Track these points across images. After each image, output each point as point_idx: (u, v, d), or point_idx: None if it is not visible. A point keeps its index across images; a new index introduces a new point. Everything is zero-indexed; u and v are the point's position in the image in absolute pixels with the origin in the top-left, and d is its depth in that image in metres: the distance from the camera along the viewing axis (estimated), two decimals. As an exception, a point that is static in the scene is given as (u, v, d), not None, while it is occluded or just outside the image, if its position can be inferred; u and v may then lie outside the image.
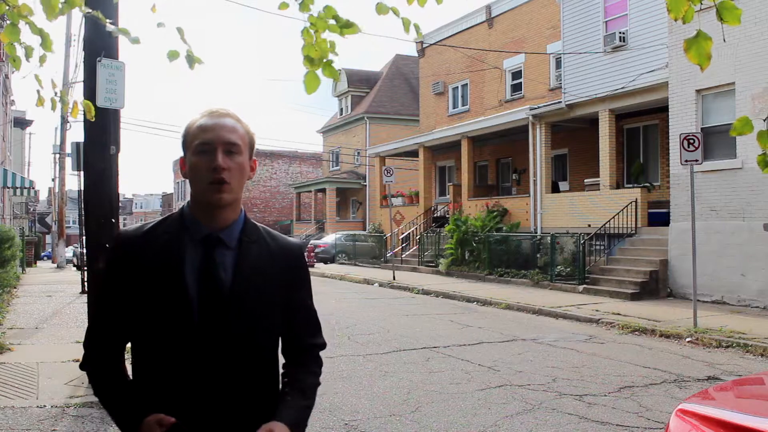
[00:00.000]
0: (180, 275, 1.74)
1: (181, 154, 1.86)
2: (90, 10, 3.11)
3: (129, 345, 1.83)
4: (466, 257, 19.96)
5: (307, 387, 1.89)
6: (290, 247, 1.93)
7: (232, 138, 1.79)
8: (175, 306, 1.72)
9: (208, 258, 1.77)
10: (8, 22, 2.91)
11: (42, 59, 3.01)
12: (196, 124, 1.82)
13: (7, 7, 2.83)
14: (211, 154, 1.76)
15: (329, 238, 30.05)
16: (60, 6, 2.79)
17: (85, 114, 6.51)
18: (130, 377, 1.82)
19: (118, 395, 1.78)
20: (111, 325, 1.80)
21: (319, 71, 2.69)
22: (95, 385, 1.82)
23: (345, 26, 2.72)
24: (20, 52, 3.02)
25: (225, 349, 1.72)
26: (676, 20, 2.25)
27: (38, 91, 3.17)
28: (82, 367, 1.84)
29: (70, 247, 37.70)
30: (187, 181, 1.84)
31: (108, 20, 3.01)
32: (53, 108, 3.20)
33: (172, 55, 2.99)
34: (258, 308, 1.79)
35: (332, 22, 2.73)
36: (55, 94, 3.21)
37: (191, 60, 3.01)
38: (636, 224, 15.81)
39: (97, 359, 1.80)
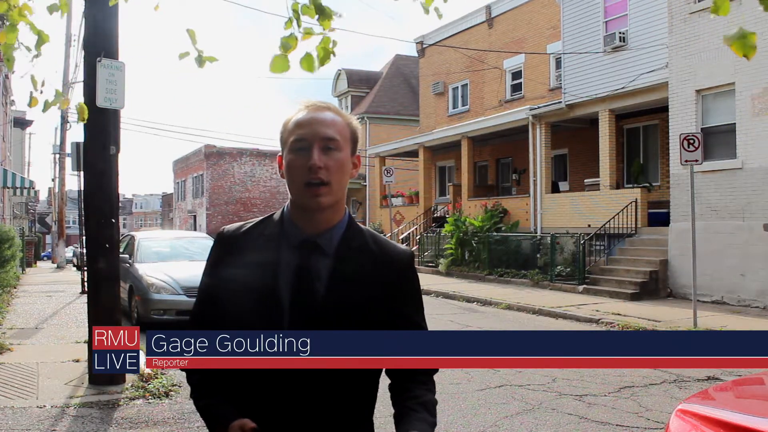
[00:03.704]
0: (273, 282, 1.65)
1: (279, 152, 1.71)
2: None
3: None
4: (466, 257, 19.96)
5: (429, 403, 1.74)
6: (397, 256, 1.77)
7: (329, 133, 1.65)
8: (267, 313, 1.64)
9: (303, 265, 1.67)
10: (8, 23, 2.91)
11: (35, 57, 3.01)
12: (292, 120, 1.70)
13: (8, 7, 2.83)
14: (307, 151, 1.63)
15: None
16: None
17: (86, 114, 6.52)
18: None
19: (212, 398, 1.70)
20: (210, 319, 1.71)
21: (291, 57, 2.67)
22: (194, 386, 1.74)
23: (320, 11, 2.71)
24: (17, 52, 3.02)
25: None
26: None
27: (31, 93, 3.17)
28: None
29: (70, 247, 37.69)
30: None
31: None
32: (44, 109, 3.19)
33: (183, 56, 3.01)
34: (353, 321, 1.65)
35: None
36: (41, 93, 3.20)
37: (200, 60, 3.03)
38: (636, 224, 15.80)
39: None
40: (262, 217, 1.79)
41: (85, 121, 3.60)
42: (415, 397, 1.72)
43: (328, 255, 1.69)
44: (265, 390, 1.67)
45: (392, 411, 1.77)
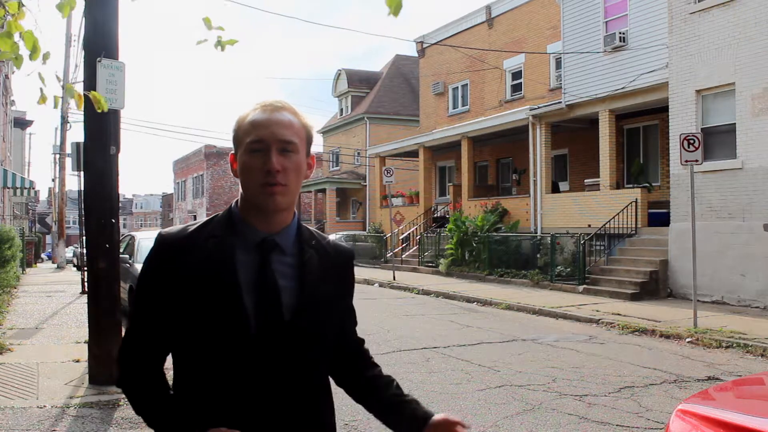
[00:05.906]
0: (234, 284, 1.59)
1: (233, 150, 1.67)
2: None
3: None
4: (466, 257, 19.96)
5: (399, 385, 1.94)
6: (345, 253, 1.84)
7: (287, 135, 1.62)
8: (230, 318, 1.57)
9: (264, 265, 1.63)
10: (3, 29, 2.90)
11: (45, 56, 3.00)
12: (247, 119, 1.66)
13: (6, 15, 2.81)
14: (265, 153, 1.60)
15: (329, 238, 30.01)
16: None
17: (86, 111, 6.52)
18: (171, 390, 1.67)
19: (163, 411, 1.63)
20: (151, 337, 1.64)
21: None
22: (135, 403, 1.66)
23: None
24: (23, 51, 3.01)
25: (284, 361, 1.59)
26: None
27: (41, 89, 3.14)
28: (118, 384, 1.68)
29: (70, 248, 37.73)
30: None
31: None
32: (55, 105, 3.18)
33: (200, 42, 3.09)
34: (321, 317, 1.67)
35: None
36: (62, 87, 3.21)
37: (220, 43, 3.08)
38: (636, 224, 15.81)
39: (137, 375, 1.64)
40: (205, 220, 1.75)
41: (106, 109, 3.56)
42: (394, 385, 1.90)
43: (288, 253, 1.68)
44: (226, 396, 1.61)
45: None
